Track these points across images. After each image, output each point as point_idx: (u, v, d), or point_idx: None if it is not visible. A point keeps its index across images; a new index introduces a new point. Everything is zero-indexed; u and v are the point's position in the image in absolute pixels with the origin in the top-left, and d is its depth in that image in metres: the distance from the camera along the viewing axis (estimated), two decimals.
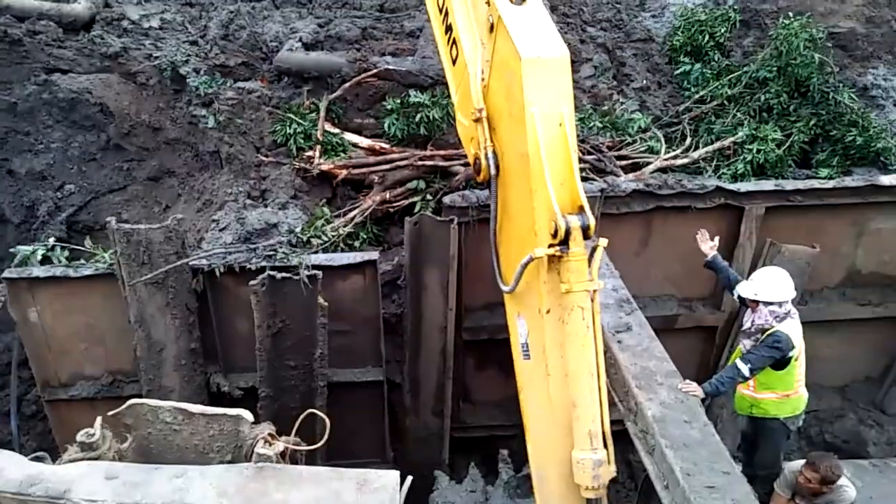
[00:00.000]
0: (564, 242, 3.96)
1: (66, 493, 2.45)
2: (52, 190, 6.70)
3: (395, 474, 2.62)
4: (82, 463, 2.67)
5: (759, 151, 6.92)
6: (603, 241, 4.07)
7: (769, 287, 5.06)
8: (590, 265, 4.06)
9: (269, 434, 2.80)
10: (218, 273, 5.85)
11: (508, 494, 6.21)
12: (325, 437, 2.79)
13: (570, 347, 4.08)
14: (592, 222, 4.00)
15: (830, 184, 6.65)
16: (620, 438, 7.12)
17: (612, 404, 5.25)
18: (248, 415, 2.94)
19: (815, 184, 6.66)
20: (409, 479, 2.53)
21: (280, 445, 2.74)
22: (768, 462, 5.37)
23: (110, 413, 3.02)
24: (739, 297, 5.31)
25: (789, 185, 6.60)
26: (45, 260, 6.00)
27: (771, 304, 5.01)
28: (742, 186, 6.56)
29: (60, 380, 6.28)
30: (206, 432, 2.93)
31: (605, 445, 4.09)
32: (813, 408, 5.66)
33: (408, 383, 6.80)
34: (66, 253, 6.04)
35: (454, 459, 6.96)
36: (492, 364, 7.08)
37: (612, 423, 6.81)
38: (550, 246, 4.00)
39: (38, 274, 5.84)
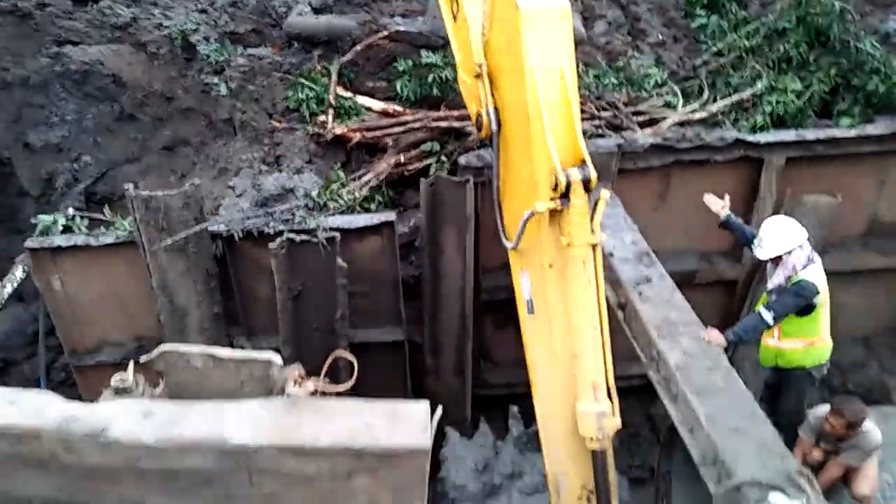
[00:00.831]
0: (565, 196, 3.94)
1: (105, 431, 2.50)
2: (69, 161, 6.73)
3: (425, 404, 2.65)
4: (119, 401, 2.71)
5: (778, 103, 6.77)
6: (605, 194, 4.02)
7: (779, 239, 5.01)
8: (592, 219, 4.03)
9: (299, 375, 2.83)
10: (237, 238, 5.89)
11: (518, 449, 6.28)
12: (354, 376, 2.83)
13: (572, 301, 4.08)
14: (594, 175, 3.95)
15: (852, 133, 6.54)
16: (641, 392, 7.21)
17: (632, 358, 5.30)
18: (277, 358, 2.97)
19: (837, 133, 6.55)
20: (440, 409, 2.56)
21: (310, 385, 2.77)
22: (792, 411, 5.37)
23: (141, 359, 3.06)
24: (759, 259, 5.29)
25: (810, 134, 6.50)
26: (66, 230, 6.07)
27: (790, 252, 4.98)
28: (762, 138, 6.46)
29: (87, 347, 6.39)
30: (237, 376, 2.97)
31: (610, 398, 4.11)
32: (835, 359, 5.61)
33: (428, 344, 6.84)
34: (86, 222, 6.10)
35: (476, 418, 7.01)
36: (511, 323, 7.06)
37: (633, 377, 6.90)
38: (551, 200, 3.98)
39: (59, 243, 5.90)
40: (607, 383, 4.12)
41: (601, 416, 4.03)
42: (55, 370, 6.88)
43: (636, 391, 7.24)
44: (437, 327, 6.76)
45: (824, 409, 4.97)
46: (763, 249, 5.09)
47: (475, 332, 6.90)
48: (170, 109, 6.79)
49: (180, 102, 6.75)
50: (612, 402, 4.09)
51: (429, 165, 6.54)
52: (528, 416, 6.21)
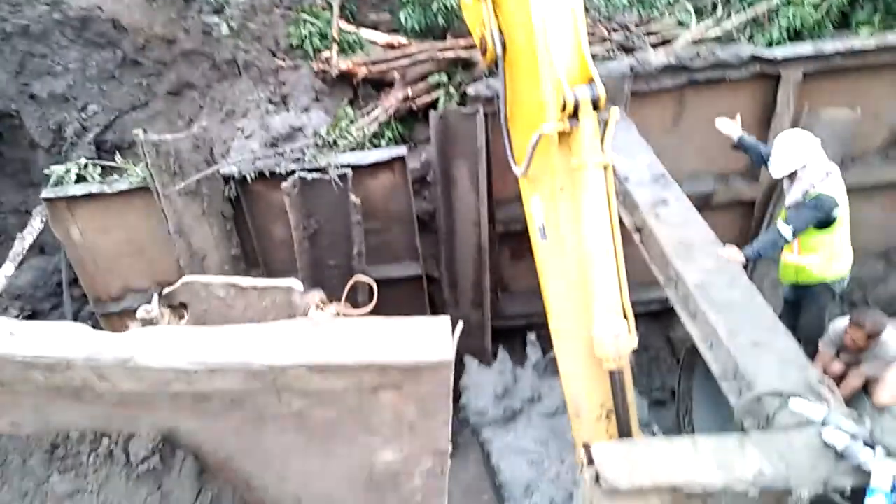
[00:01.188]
0: (574, 116, 3.87)
1: (134, 357, 2.55)
2: (76, 111, 6.71)
3: (446, 319, 2.68)
4: (144, 329, 2.77)
5: (794, 16, 6.56)
6: (615, 113, 3.95)
7: (793, 154, 4.91)
8: (602, 139, 3.96)
9: (321, 300, 2.86)
10: (249, 179, 5.89)
11: (537, 375, 6.38)
12: (374, 299, 2.85)
13: (584, 224, 4.06)
14: (602, 93, 3.87)
15: (872, 42, 6.32)
16: (660, 316, 7.25)
17: (650, 283, 5.29)
18: (298, 284, 3.01)
19: (856, 44, 6.34)
20: (461, 324, 2.59)
21: (332, 309, 2.81)
22: (813, 325, 5.36)
23: (165, 291, 3.10)
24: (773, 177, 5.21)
25: (828, 46, 6.30)
26: (80, 179, 6.09)
27: (805, 167, 4.90)
28: (778, 52, 6.28)
29: (110, 294, 6.49)
30: (259, 304, 3.02)
31: (626, 318, 4.12)
32: (855, 274, 5.58)
33: (446, 277, 6.87)
34: (99, 170, 6.11)
35: (496, 348, 7.10)
36: (527, 254, 7.00)
37: (652, 301, 6.91)
38: (559, 121, 3.90)
39: (74, 192, 5.94)
40: (622, 304, 4.12)
41: (617, 337, 4.04)
42: (81, 319, 7.00)
43: (655, 315, 7.31)
44: (454, 260, 6.78)
45: (844, 321, 4.95)
46: (777, 166, 5.01)
47: (492, 264, 6.92)
48: (172, 53, 6.70)
49: (182, 45, 6.65)
50: (627, 323, 4.11)
51: (437, 98, 6.45)
52: (547, 343, 6.29)
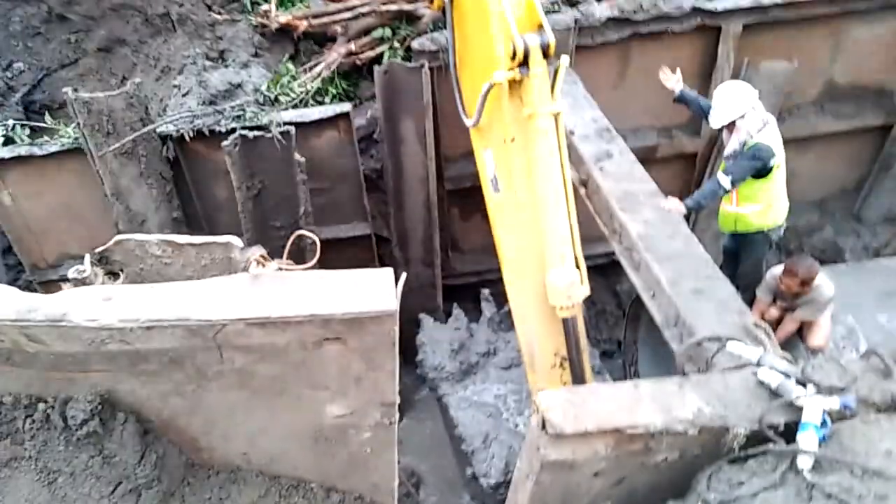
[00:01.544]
0: (524, 64, 3.85)
1: (66, 316, 2.46)
2: (0, 70, 6.37)
3: (388, 270, 2.65)
4: (77, 290, 2.67)
5: None
6: (564, 60, 3.94)
7: (731, 104, 5.01)
8: (552, 87, 3.95)
9: (261, 256, 2.81)
10: (188, 138, 5.70)
11: (492, 329, 6.45)
12: (317, 255, 2.82)
13: (536, 173, 4.06)
14: (552, 40, 3.85)
15: None
16: (607, 270, 7.38)
17: (597, 238, 5.36)
18: (237, 240, 2.94)
19: None
20: (404, 276, 2.58)
21: (273, 265, 2.76)
22: (750, 273, 5.54)
23: (97, 249, 3.00)
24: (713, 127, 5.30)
25: None
26: (8, 141, 5.81)
27: (743, 117, 4.99)
28: (719, 4, 6.32)
29: (48, 261, 6.26)
30: (198, 262, 2.94)
31: (578, 267, 4.18)
32: (791, 223, 5.77)
33: (395, 237, 6.84)
34: (28, 131, 5.83)
35: (448, 306, 7.13)
36: (477, 211, 7.09)
37: (598, 256, 7.02)
38: (510, 69, 3.88)
39: (2, 155, 5.67)
40: (574, 252, 4.16)
41: (570, 285, 4.08)
42: (18, 287, 6.74)
43: (602, 269, 7.43)
44: (403, 219, 6.75)
45: (780, 269, 5.13)
46: (716, 116, 5.10)
47: (442, 222, 6.92)
48: (101, 7, 6.39)
49: None
50: (579, 271, 4.15)
51: (382, 53, 6.32)
52: (501, 299, 6.34)
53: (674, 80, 5.56)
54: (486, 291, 6.66)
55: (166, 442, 3.07)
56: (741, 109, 4.98)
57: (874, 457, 2.65)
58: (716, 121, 5.13)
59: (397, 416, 3.12)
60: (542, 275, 4.19)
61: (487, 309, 6.58)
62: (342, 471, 3.30)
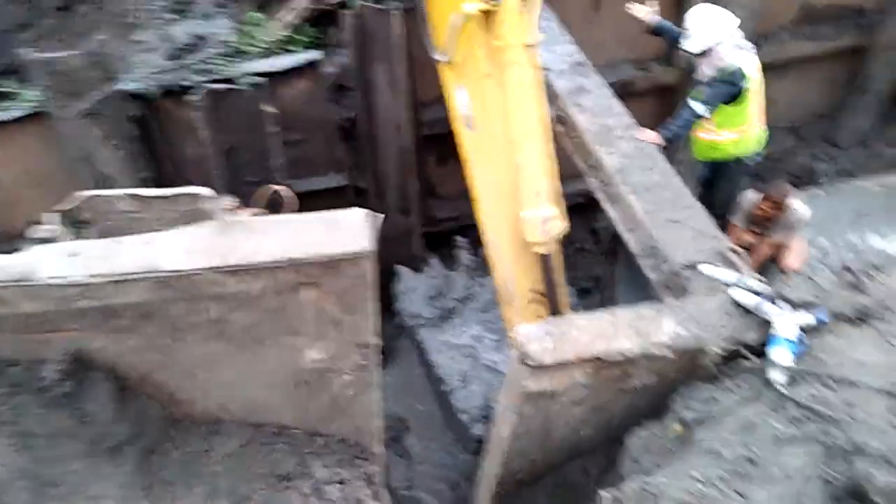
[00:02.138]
0: None
1: (32, 274, 2.43)
2: None
3: (361, 211, 2.63)
4: (41, 247, 2.63)
5: None
6: None
7: (706, 29, 4.90)
8: (527, 17, 3.83)
9: (233, 205, 2.77)
10: (154, 94, 5.57)
11: (469, 275, 6.40)
12: (294, 208, 2.78)
13: (512, 108, 3.98)
14: None
15: None
16: (584, 208, 7.36)
17: (574, 175, 5.31)
18: (206, 190, 2.89)
19: None
20: (381, 216, 2.55)
21: (245, 214, 2.72)
22: (727, 201, 5.53)
23: (62, 206, 2.95)
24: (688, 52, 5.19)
25: None
26: None
27: (719, 43, 4.90)
28: None
29: (18, 230, 6.14)
30: (168, 215, 2.90)
31: (556, 203, 4.08)
32: (767, 149, 5.74)
33: (372, 186, 6.77)
34: None
35: (428, 255, 7.11)
36: (453, 157, 7.00)
37: (577, 194, 6.98)
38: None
39: None
40: (552, 187, 4.07)
41: (546, 220, 4.00)
42: None
43: (580, 208, 7.40)
44: (379, 168, 6.67)
45: (753, 194, 5.13)
46: (691, 41, 4.99)
47: (418, 170, 6.83)
48: None
49: None
50: (557, 206, 4.08)
51: None
52: (477, 245, 6.32)
53: (644, 11, 5.43)
54: (461, 239, 6.61)
55: (144, 398, 3.08)
56: (717, 37, 4.88)
57: (845, 367, 2.70)
58: (693, 45, 4.99)
59: (378, 357, 3.14)
60: (517, 212, 4.11)
61: (464, 256, 6.53)
62: (324, 415, 3.34)
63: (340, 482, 3.48)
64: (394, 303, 6.49)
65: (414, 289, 6.30)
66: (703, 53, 5.02)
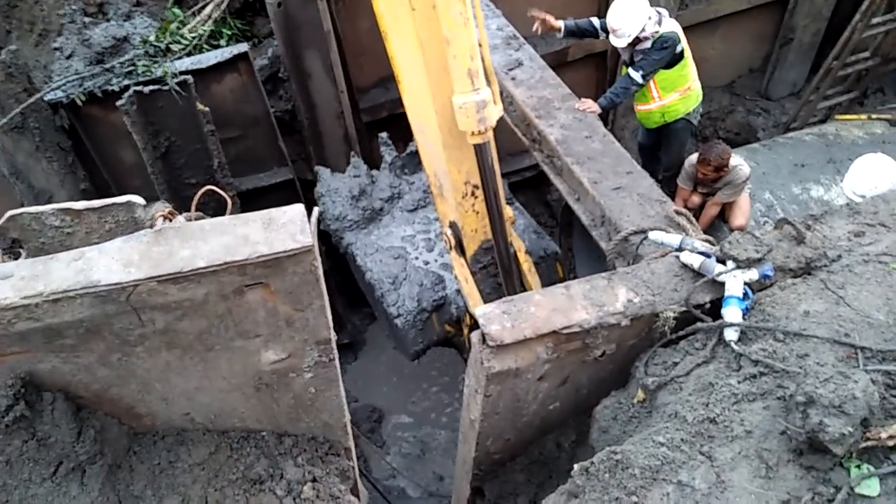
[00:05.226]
0: None
1: None
2: None
3: (299, 206, 2.57)
4: None
5: None
6: None
7: (631, 21, 4.94)
8: None
9: (168, 212, 2.68)
10: (80, 102, 5.36)
11: (395, 174, 6.02)
12: (229, 208, 2.70)
13: None
14: None
15: None
16: (536, 182, 7.42)
17: (522, 151, 5.26)
18: (138, 199, 2.79)
19: None
20: (317, 210, 2.49)
21: (180, 219, 2.63)
22: (675, 162, 5.63)
23: None
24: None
25: None
26: None
27: (643, 28, 4.94)
28: None
29: None
30: (102, 227, 2.79)
31: (489, 84, 3.60)
32: (704, 109, 5.84)
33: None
34: None
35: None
36: (399, 140, 6.93)
37: (525, 169, 7.00)
38: None
39: None
40: (485, 67, 3.57)
41: (481, 106, 3.52)
42: None
43: (531, 182, 7.47)
44: (324, 158, 6.58)
45: (696, 157, 5.22)
46: (619, 39, 5.04)
47: (364, 156, 6.75)
48: None
49: None
50: (492, 89, 3.61)
51: None
52: (400, 143, 6.00)
53: (550, 21, 5.34)
54: (384, 135, 6.13)
55: (103, 415, 2.98)
56: (640, 23, 4.93)
57: (794, 320, 2.76)
58: (622, 41, 5.05)
59: (336, 351, 3.10)
60: (447, 95, 3.60)
61: (388, 153, 6.05)
62: (290, 415, 3.29)
63: (314, 480, 3.45)
64: (316, 205, 5.58)
65: (336, 189, 5.80)
66: (632, 42, 5.07)
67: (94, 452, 2.88)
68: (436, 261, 5.51)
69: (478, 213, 4.23)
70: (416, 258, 5.53)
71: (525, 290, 4.69)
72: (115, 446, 3.02)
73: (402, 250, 5.53)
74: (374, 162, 6.31)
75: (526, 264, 4.73)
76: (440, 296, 5.23)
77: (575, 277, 6.40)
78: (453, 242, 4.46)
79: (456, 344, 5.61)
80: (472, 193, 4.14)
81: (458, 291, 4.98)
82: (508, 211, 4.43)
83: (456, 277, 4.72)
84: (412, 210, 5.87)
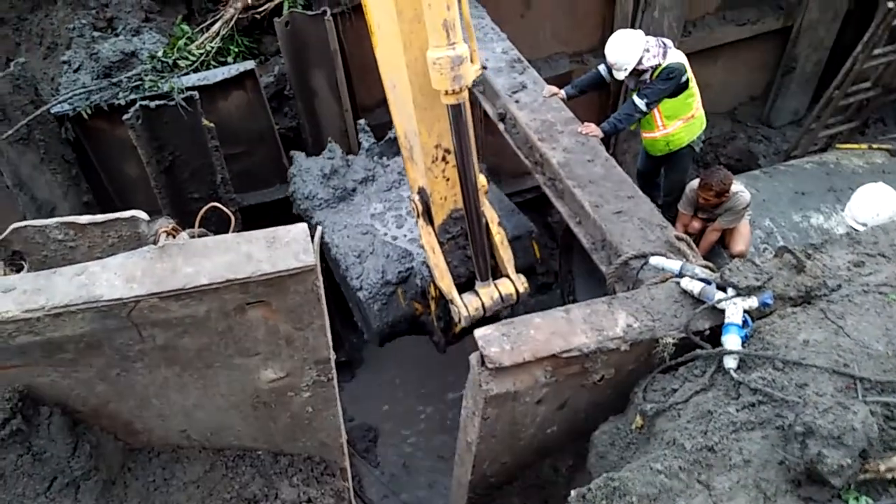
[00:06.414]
0: None
1: None
2: None
3: (303, 226, 2.58)
4: None
5: None
6: None
7: (626, 54, 4.98)
8: None
9: (172, 228, 2.69)
10: (86, 115, 5.41)
11: (371, 158, 5.95)
12: (233, 226, 2.71)
13: None
14: None
15: None
16: (537, 203, 7.43)
17: (524, 173, 5.24)
18: (142, 214, 2.80)
19: None
20: (320, 230, 2.50)
21: (184, 236, 2.64)
22: (676, 188, 5.65)
23: None
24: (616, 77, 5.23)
25: None
26: None
27: (640, 60, 4.99)
28: None
29: None
30: (105, 242, 2.80)
31: (468, 41, 3.39)
32: (705, 136, 5.88)
33: None
34: None
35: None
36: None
37: (527, 191, 7.00)
38: None
39: None
40: (465, 21, 3.37)
41: (456, 62, 3.25)
42: None
43: (532, 203, 7.48)
44: None
45: (697, 183, 5.24)
46: (621, 70, 5.09)
47: None
48: None
49: None
50: (469, 45, 3.40)
51: (281, 3, 6.06)
52: (379, 131, 5.96)
53: (555, 90, 5.33)
54: (362, 122, 6.05)
55: (99, 430, 2.98)
56: (636, 54, 4.98)
57: (793, 349, 2.76)
58: (623, 73, 5.11)
59: (334, 371, 3.10)
60: (421, 49, 3.37)
61: (365, 139, 5.95)
62: (287, 434, 3.28)
63: (309, 500, 3.43)
64: (288, 186, 5.86)
65: (307, 169, 5.68)
66: (633, 73, 5.12)
67: (89, 468, 2.88)
68: (405, 236, 5.35)
69: (448, 179, 4.04)
70: (385, 234, 5.35)
71: (496, 263, 4.51)
72: (110, 462, 3.01)
73: (370, 227, 5.36)
74: None
75: (498, 236, 4.49)
76: (406, 268, 4.97)
77: (574, 300, 6.46)
78: (420, 209, 4.27)
79: (424, 324, 5.21)
80: (443, 158, 3.93)
81: (425, 264, 4.72)
82: (482, 179, 4.24)
83: (422, 247, 4.49)
84: (387, 190, 5.71)
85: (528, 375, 3.14)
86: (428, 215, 4.30)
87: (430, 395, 7.44)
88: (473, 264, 4.40)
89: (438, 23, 3.18)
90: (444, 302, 4.64)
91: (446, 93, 3.37)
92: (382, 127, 6.84)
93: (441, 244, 4.38)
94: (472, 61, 3.36)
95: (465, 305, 4.38)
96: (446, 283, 4.43)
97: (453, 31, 3.20)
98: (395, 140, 4.50)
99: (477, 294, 4.44)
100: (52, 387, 2.73)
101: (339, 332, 7.54)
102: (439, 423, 7.32)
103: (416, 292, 5.02)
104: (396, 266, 4.98)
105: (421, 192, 4.24)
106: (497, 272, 4.58)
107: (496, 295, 4.47)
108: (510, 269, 4.54)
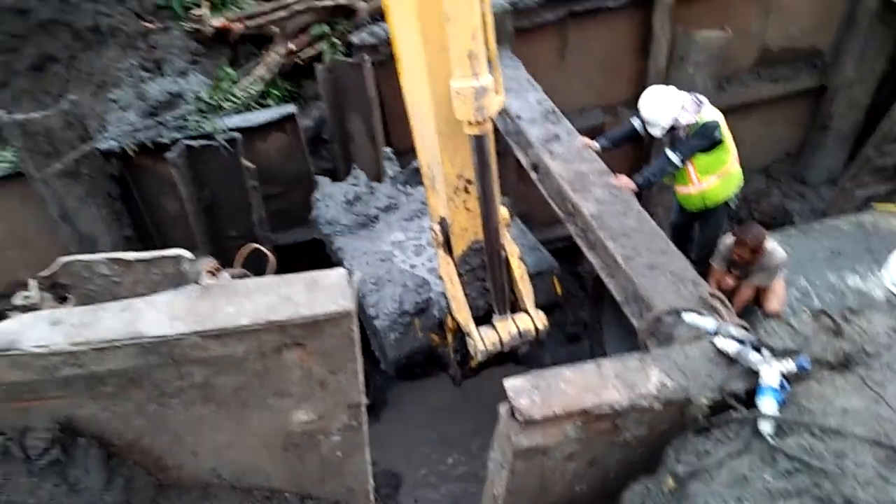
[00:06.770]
0: None
1: (15, 343, 2.39)
2: None
3: (342, 271, 2.63)
4: (23, 316, 2.59)
5: None
6: None
7: (662, 112, 5.02)
8: None
9: (214, 267, 2.76)
10: (131, 152, 5.58)
11: (395, 187, 6.00)
12: (271, 266, 2.77)
13: None
14: None
15: None
16: (568, 253, 7.44)
17: (555, 221, 5.26)
18: (186, 253, 2.88)
19: None
20: (358, 273, 2.54)
21: (226, 276, 2.71)
22: (709, 244, 5.62)
23: (42, 273, 2.91)
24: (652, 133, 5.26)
25: None
26: None
27: (677, 117, 5.03)
28: None
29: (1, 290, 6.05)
30: (148, 278, 2.87)
31: (492, 71, 3.37)
32: (739, 192, 5.88)
33: None
34: None
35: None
36: None
37: (557, 239, 7.03)
38: None
39: None
40: (489, 52, 3.30)
41: (480, 93, 3.26)
42: None
43: (562, 252, 7.47)
44: None
45: (731, 239, 5.21)
46: (656, 127, 5.14)
47: None
48: (27, 24, 6.15)
49: (37, 14, 6.12)
50: (494, 76, 3.37)
51: (322, 50, 6.25)
52: (404, 158, 6.05)
53: (589, 141, 5.43)
54: (388, 150, 6.14)
55: (132, 464, 3.01)
56: (672, 114, 5.03)
57: (831, 415, 2.72)
58: (658, 130, 5.16)
59: (365, 416, 3.11)
60: (445, 78, 3.36)
61: (390, 168, 6.04)
62: (315, 477, 3.28)
63: None
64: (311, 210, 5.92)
65: (331, 195, 5.76)
66: (669, 130, 5.16)
67: (121, 501, 2.90)
68: (423, 265, 5.35)
69: (469, 210, 4.03)
70: (403, 261, 5.36)
71: (515, 298, 4.48)
72: (142, 497, 3.03)
73: (389, 254, 5.39)
74: None
75: (518, 271, 4.47)
76: (423, 298, 4.98)
77: (604, 351, 6.40)
78: (441, 239, 4.28)
79: (440, 356, 5.21)
80: (465, 189, 3.93)
81: (443, 294, 4.70)
82: (504, 212, 4.24)
83: (441, 278, 4.48)
84: (409, 219, 5.74)
85: (558, 430, 3.12)
86: (448, 245, 4.32)
87: (454, 441, 7.36)
88: (492, 297, 4.38)
89: (463, 53, 3.20)
90: (461, 335, 4.64)
91: (469, 123, 3.40)
92: (416, 172, 6.96)
93: (460, 275, 4.38)
94: (496, 92, 3.36)
95: (483, 339, 4.39)
96: (464, 315, 4.44)
97: (477, 61, 3.21)
98: (418, 170, 4.57)
99: (494, 328, 4.44)
100: (91, 419, 2.78)
101: (367, 370, 7.54)
102: (463, 472, 7.22)
103: (434, 323, 5.02)
104: (413, 296, 4.99)
105: (442, 221, 4.27)
106: (516, 307, 4.57)
107: (514, 330, 4.47)
108: (529, 304, 4.53)
